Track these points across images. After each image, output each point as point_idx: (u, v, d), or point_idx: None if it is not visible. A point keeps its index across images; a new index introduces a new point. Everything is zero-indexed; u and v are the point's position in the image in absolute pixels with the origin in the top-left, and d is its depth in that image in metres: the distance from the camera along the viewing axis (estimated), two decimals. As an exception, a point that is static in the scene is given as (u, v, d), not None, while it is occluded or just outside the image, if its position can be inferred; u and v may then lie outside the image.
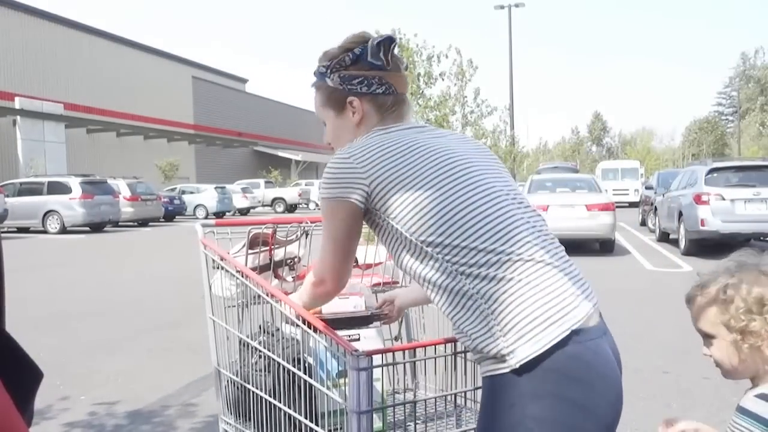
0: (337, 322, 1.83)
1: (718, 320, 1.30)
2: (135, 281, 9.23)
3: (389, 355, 1.62)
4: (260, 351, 1.87)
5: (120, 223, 21.85)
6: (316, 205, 34.90)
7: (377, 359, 1.51)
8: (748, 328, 1.26)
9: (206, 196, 28.19)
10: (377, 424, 1.83)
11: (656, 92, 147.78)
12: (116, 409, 3.88)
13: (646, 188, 18.96)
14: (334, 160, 1.42)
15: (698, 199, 10.55)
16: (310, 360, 1.79)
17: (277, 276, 2.12)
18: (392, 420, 1.98)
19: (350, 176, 1.38)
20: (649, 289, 7.95)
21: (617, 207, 12.85)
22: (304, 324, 1.66)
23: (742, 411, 1.28)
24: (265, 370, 1.86)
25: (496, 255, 1.27)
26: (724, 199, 10.38)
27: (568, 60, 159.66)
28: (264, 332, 1.90)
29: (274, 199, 33.48)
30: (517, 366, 1.20)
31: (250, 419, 1.94)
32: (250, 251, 2.01)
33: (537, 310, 1.22)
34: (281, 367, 1.79)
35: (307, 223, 2.16)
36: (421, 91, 15.30)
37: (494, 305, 1.23)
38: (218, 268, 2.00)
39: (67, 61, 32.06)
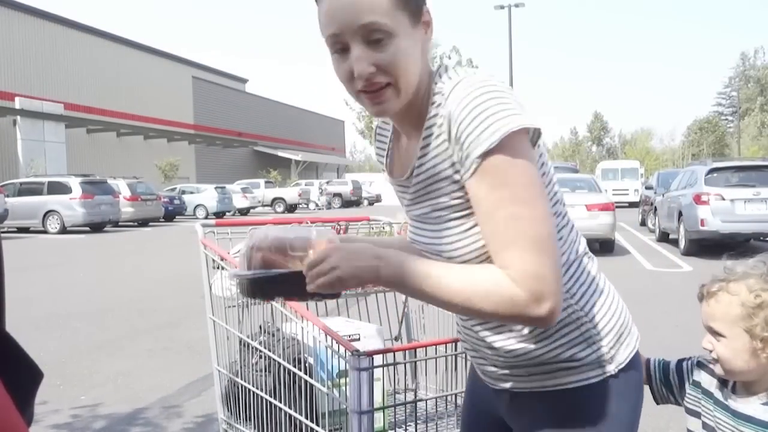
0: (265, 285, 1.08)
1: (740, 323, 1.24)
2: (135, 281, 9.23)
3: (390, 355, 1.62)
4: (260, 351, 1.87)
5: (120, 223, 21.85)
6: (316, 205, 34.85)
7: (378, 359, 1.50)
8: None
9: (206, 196, 28.20)
10: (378, 424, 1.82)
11: (656, 92, 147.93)
12: (116, 409, 3.88)
13: (646, 188, 18.96)
14: (493, 83, 0.97)
15: (698, 199, 10.55)
16: (311, 360, 1.79)
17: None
18: (393, 420, 1.98)
19: (520, 106, 0.99)
20: (649, 289, 7.95)
21: (617, 207, 12.84)
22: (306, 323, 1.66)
23: (749, 419, 1.24)
24: (265, 371, 1.86)
25: (579, 250, 1.14)
26: (723, 199, 10.38)
27: (568, 60, 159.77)
28: (264, 332, 1.90)
29: (274, 199, 33.49)
30: (615, 371, 1.10)
31: (250, 419, 1.94)
32: (250, 251, 2.00)
33: (624, 309, 1.16)
34: (281, 367, 1.79)
35: (307, 222, 2.15)
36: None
37: (587, 307, 1.10)
38: (218, 268, 1.99)
39: (67, 61, 32.07)
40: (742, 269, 1.29)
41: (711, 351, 1.31)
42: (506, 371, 1.14)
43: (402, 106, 1.04)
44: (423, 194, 1.09)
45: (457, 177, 1.01)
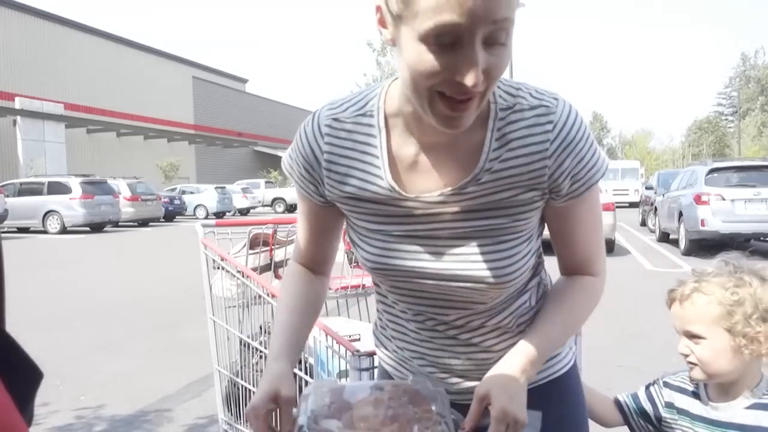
0: None
1: (720, 323, 1.22)
2: (135, 281, 9.23)
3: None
4: (261, 351, 1.87)
5: (120, 223, 21.84)
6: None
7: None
8: (755, 335, 1.18)
9: (206, 196, 28.20)
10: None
11: (656, 92, 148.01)
12: (116, 410, 3.88)
13: (646, 188, 18.95)
14: (582, 121, 1.00)
15: (698, 200, 10.55)
16: (311, 360, 1.78)
17: (277, 276, 2.12)
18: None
19: None
20: (649, 289, 7.94)
21: (617, 207, 12.85)
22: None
23: (740, 428, 1.21)
24: (265, 371, 1.86)
25: None
26: (724, 199, 10.37)
27: (568, 60, 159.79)
28: (264, 332, 1.90)
29: (274, 199, 33.48)
30: (574, 346, 1.19)
31: (250, 419, 1.94)
32: (250, 251, 2.00)
33: None
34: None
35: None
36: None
37: None
38: (218, 268, 1.99)
39: (67, 61, 32.06)
40: (711, 269, 1.29)
41: (687, 356, 1.28)
42: None
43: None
44: (483, 209, 0.97)
45: (536, 200, 0.98)
